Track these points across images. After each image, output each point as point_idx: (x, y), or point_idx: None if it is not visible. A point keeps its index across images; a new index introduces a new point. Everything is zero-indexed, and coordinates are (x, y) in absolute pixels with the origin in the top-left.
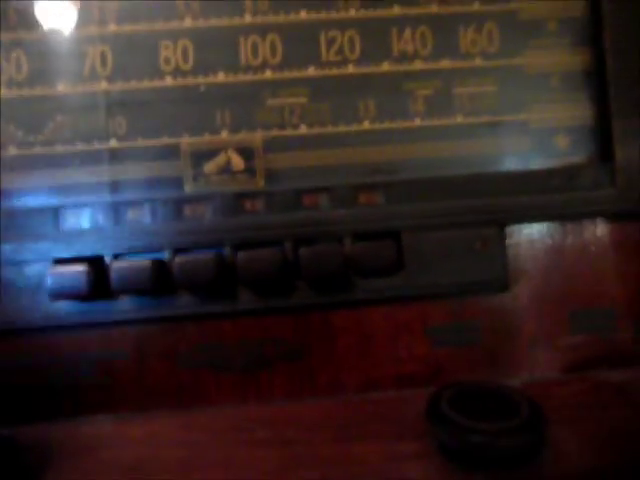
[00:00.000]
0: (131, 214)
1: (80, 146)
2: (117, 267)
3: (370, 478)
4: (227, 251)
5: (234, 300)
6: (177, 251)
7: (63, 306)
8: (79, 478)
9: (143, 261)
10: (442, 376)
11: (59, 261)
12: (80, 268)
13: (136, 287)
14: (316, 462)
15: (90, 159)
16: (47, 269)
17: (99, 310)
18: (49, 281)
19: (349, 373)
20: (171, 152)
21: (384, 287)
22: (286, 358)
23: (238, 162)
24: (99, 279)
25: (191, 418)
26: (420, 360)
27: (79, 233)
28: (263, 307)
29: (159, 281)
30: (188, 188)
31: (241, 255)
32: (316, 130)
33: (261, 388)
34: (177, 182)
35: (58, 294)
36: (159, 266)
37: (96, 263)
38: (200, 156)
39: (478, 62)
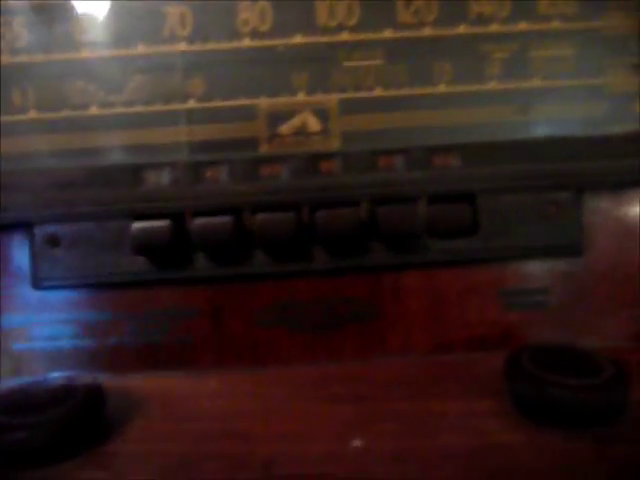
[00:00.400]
0: (209, 173)
1: (159, 106)
2: (197, 224)
3: (448, 432)
4: (303, 211)
5: (309, 260)
6: (254, 211)
7: (143, 262)
8: (164, 426)
9: (223, 218)
10: (512, 340)
11: (140, 217)
12: (162, 223)
13: (215, 244)
14: (393, 416)
15: (169, 119)
16: (128, 225)
17: (178, 267)
18: (131, 236)
19: (420, 335)
20: (248, 113)
21: (458, 249)
22: (358, 318)
23: (314, 124)
24: (179, 235)
25: (266, 374)
26: (491, 323)
27: (159, 191)
28: (338, 267)
29: (237, 239)
30: (264, 149)
31: (320, 214)
32: (391, 92)
33: (333, 347)
34: (253, 143)
35: (140, 249)
36: (238, 224)
37: (176, 220)
38: (276, 117)
39: (556, 25)
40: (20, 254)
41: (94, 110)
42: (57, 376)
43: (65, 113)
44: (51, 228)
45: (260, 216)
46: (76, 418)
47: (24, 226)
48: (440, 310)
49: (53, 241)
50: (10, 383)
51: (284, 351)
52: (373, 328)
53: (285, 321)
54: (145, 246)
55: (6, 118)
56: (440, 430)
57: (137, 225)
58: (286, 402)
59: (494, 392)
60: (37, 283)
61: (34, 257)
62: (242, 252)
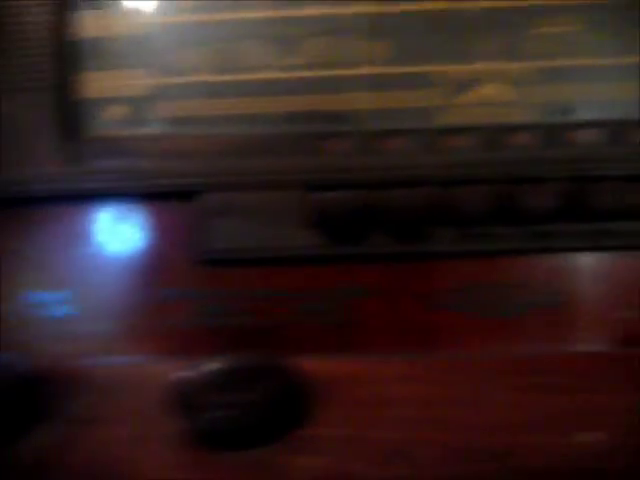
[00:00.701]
0: (388, 144)
1: (339, 71)
2: (384, 197)
3: None
4: (494, 186)
5: (499, 239)
6: (443, 184)
7: (318, 236)
8: (361, 411)
9: (410, 192)
10: None
11: (317, 188)
12: (347, 195)
13: (402, 219)
14: (608, 410)
15: (348, 85)
16: (304, 196)
17: (354, 242)
18: (312, 207)
19: (613, 325)
20: (432, 80)
21: None
22: (543, 304)
23: (497, 93)
24: (364, 208)
25: (448, 360)
26: None
27: (338, 161)
28: (528, 248)
29: (426, 214)
30: (447, 118)
31: (518, 189)
32: (587, 61)
33: (514, 334)
34: (434, 112)
35: (320, 221)
36: (427, 198)
37: (358, 192)
38: (457, 86)
39: None
40: (184, 224)
41: (271, 73)
42: (245, 356)
43: (239, 76)
44: (220, 197)
45: (452, 190)
46: (282, 399)
47: (190, 194)
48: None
49: (222, 211)
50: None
51: (464, 336)
52: (559, 316)
53: (466, 305)
54: (326, 218)
55: (176, 80)
56: None
57: (319, 196)
58: (484, 390)
59: None
60: (201, 255)
61: (200, 228)
62: (426, 228)
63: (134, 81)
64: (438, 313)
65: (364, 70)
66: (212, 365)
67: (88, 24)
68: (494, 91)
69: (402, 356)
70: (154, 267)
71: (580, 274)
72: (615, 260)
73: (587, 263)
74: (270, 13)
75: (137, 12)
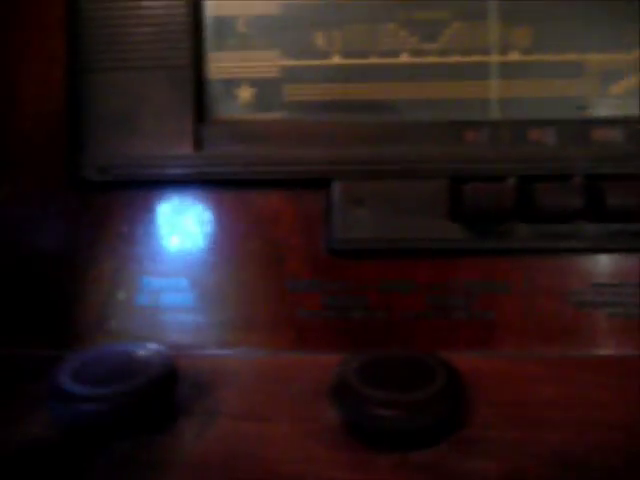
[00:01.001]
0: (532, 135)
1: (475, 57)
2: (539, 189)
3: None
4: None
5: None
6: (591, 178)
7: (458, 229)
8: (515, 411)
9: (559, 185)
10: None
11: (459, 179)
12: (501, 186)
13: (557, 213)
14: None
15: (482, 72)
16: (444, 186)
17: (497, 236)
18: (466, 197)
19: None
20: (575, 70)
21: None
22: None
23: None
24: (510, 201)
25: (587, 360)
26: None
27: (480, 151)
28: None
29: (579, 209)
30: (592, 110)
31: None
32: None
33: None
34: (579, 103)
35: (473, 213)
36: (580, 192)
37: (505, 184)
38: (608, 76)
39: None
40: (316, 213)
41: (405, 58)
42: (397, 350)
43: (373, 60)
44: (355, 186)
45: (606, 185)
46: (450, 399)
47: (323, 182)
48: None
49: (356, 200)
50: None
51: (601, 336)
52: None
53: (605, 303)
54: (480, 210)
55: (308, 63)
56: None
57: (473, 186)
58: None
59: None
60: (333, 245)
61: (332, 216)
62: (574, 224)
63: (264, 62)
64: (578, 312)
65: (501, 57)
66: (364, 358)
67: (220, 2)
68: None
69: (536, 355)
70: (281, 257)
71: None
72: None
73: None
74: None
75: None
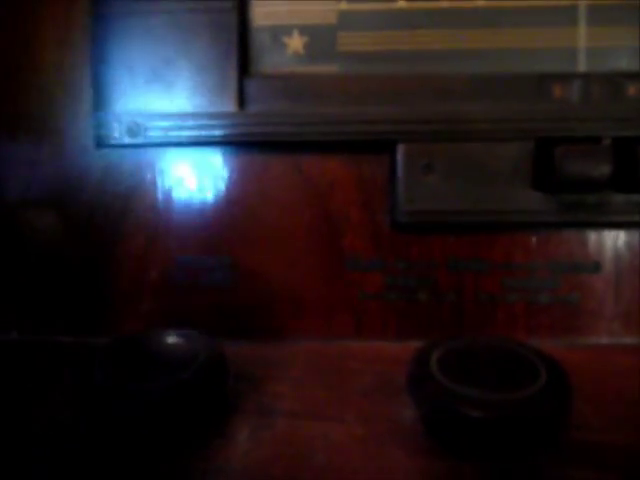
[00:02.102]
0: (631, 90)
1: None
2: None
3: None
4: None
5: None
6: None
7: (544, 199)
8: (619, 411)
9: None
10: None
11: (550, 140)
12: (599, 148)
13: None
14: None
15: (569, 17)
16: (527, 150)
17: (590, 209)
18: (557, 161)
19: None
20: None
21: None
22: None
23: None
24: (607, 166)
25: None
26: None
27: (568, 109)
28: None
29: None
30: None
31: None
32: None
33: None
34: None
35: (570, 179)
36: None
37: (603, 146)
38: None
39: None
40: (378, 180)
41: (480, 1)
42: (486, 337)
43: (444, 4)
44: (424, 148)
45: None
46: (552, 401)
47: (387, 144)
48: None
49: (425, 166)
50: None
51: None
52: None
53: None
54: (571, 177)
55: (367, 7)
56: None
57: (565, 149)
58: None
59: None
60: (397, 218)
61: (397, 185)
62: None
63: (318, 7)
64: None
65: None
66: (448, 345)
67: None
68: None
69: (629, 343)
70: (337, 231)
71: None
72: None
73: None
74: None
75: None
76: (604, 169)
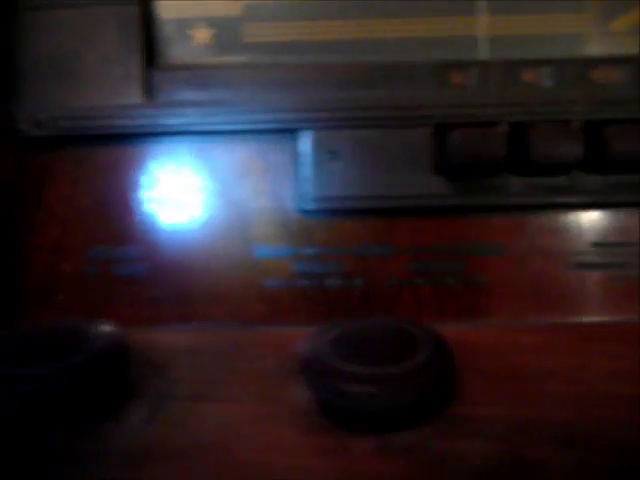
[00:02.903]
0: (527, 76)
1: None
2: (537, 133)
3: None
4: None
5: None
6: (591, 123)
7: (445, 183)
8: (511, 386)
9: (556, 130)
10: None
11: (447, 126)
12: (494, 131)
13: (557, 161)
14: None
15: (469, 7)
16: (427, 135)
17: (489, 191)
18: (452, 145)
19: None
20: (574, 3)
21: None
22: None
23: None
24: (502, 149)
25: (585, 328)
26: None
27: (466, 95)
28: None
29: (579, 158)
30: (593, 49)
31: None
32: None
33: None
34: (578, 41)
35: (461, 163)
36: (586, 135)
37: (496, 130)
38: (609, 9)
39: None
40: (284, 168)
41: None
42: (379, 318)
43: None
44: (327, 136)
45: (610, 130)
46: (432, 374)
47: (292, 132)
48: None
49: (329, 152)
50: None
51: (604, 301)
52: None
53: (610, 265)
54: (470, 160)
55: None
56: None
57: (460, 132)
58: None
59: None
60: (303, 205)
61: (302, 172)
62: (573, 174)
63: None
64: (577, 274)
65: None
66: (340, 328)
67: None
68: None
69: (533, 323)
70: (243, 219)
71: None
72: None
73: None
74: None
75: None
76: (498, 151)
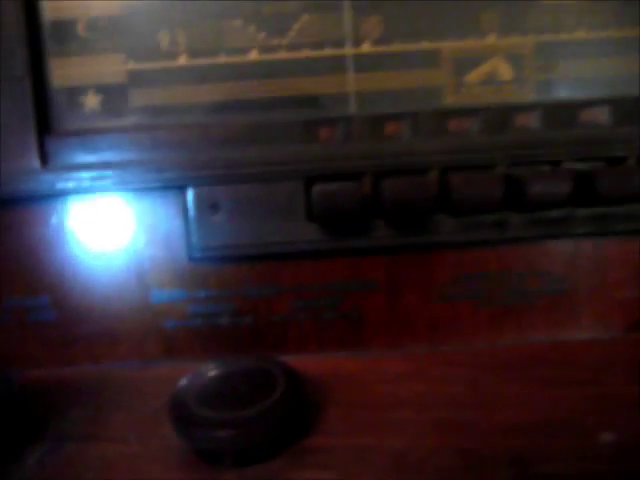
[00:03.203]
0: (389, 129)
1: (327, 51)
2: (389, 185)
3: None
4: (499, 170)
5: (503, 227)
6: (445, 170)
7: (316, 230)
8: (363, 415)
9: (413, 179)
10: None
11: (313, 179)
12: (350, 185)
13: (407, 209)
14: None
15: (335, 66)
16: (299, 188)
17: (356, 235)
18: (314, 199)
19: (619, 311)
20: (430, 59)
21: None
22: (549, 292)
23: (506, 71)
24: (366, 199)
25: (449, 354)
26: None
27: (334, 149)
28: (534, 236)
29: (432, 203)
30: (449, 100)
31: (522, 173)
32: (596, 34)
33: (521, 324)
34: (436, 93)
35: (323, 214)
36: (435, 186)
37: (358, 181)
38: (463, 64)
39: None
40: (173, 221)
41: (254, 55)
42: (244, 358)
43: (221, 59)
44: (209, 191)
45: (455, 177)
46: (287, 410)
47: (178, 189)
48: None
49: (212, 206)
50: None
51: (467, 328)
52: (564, 303)
53: (470, 295)
54: (330, 211)
55: (152, 65)
56: None
57: (320, 187)
58: (496, 386)
59: None
60: (193, 254)
61: (189, 224)
62: (430, 218)
63: (109, 67)
64: (443, 305)
65: (356, 49)
66: (208, 372)
67: (57, 5)
68: (502, 68)
69: (403, 351)
70: (141, 267)
71: (586, 260)
72: (623, 244)
73: (593, 248)
74: None
75: None
76: (358, 201)
